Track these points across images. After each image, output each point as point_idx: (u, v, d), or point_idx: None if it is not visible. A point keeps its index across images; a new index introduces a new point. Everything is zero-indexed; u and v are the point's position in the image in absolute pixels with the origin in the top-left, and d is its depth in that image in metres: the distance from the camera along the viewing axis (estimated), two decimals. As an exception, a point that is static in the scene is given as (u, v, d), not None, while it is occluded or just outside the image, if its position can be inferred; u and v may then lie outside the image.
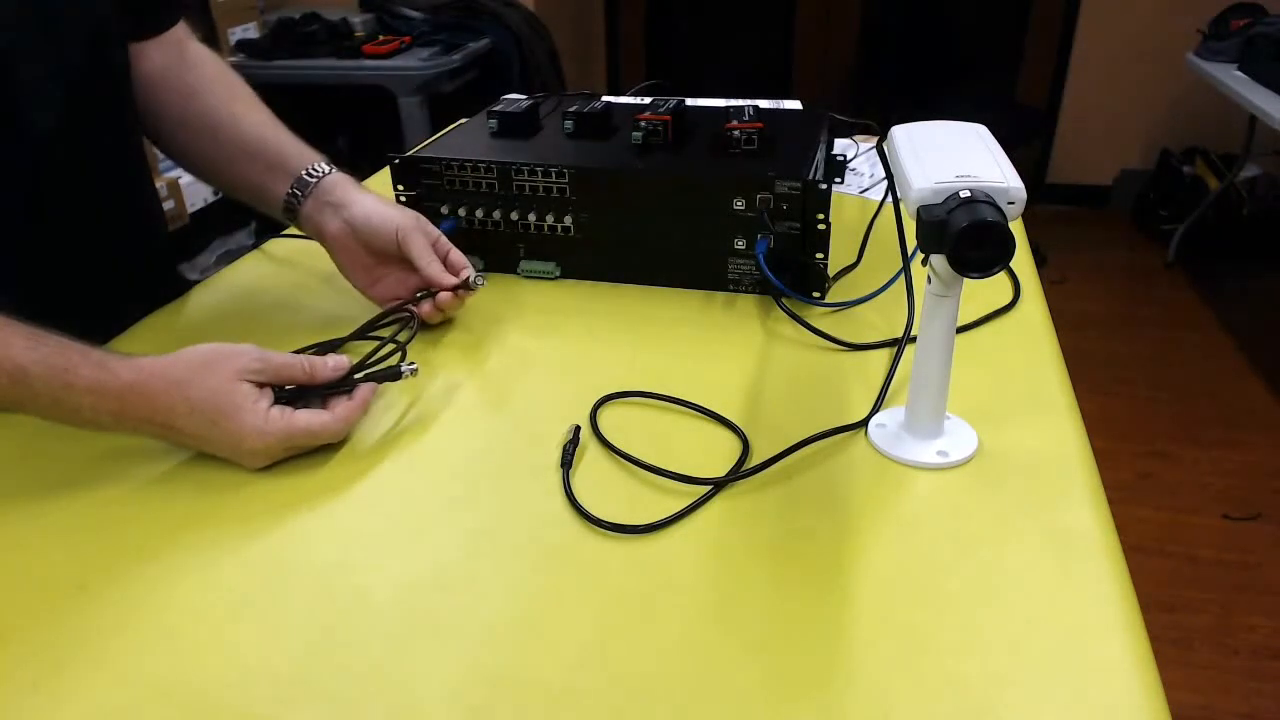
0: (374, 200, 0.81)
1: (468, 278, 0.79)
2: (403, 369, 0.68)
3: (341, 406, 0.65)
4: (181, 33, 0.88)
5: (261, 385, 0.63)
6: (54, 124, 0.75)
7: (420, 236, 0.78)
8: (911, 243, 0.61)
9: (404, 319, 0.76)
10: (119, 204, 0.86)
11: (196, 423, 0.61)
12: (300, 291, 0.91)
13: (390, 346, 0.71)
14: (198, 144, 0.86)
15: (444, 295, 0.78)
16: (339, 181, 0.82)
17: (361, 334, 0.77)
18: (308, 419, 0.63)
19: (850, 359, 0.76)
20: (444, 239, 0.80)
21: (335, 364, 0.67)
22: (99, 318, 0.63)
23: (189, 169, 0.90)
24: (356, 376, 0.68)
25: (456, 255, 0.80)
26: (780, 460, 0.62)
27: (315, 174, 0.82)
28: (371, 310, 0.80)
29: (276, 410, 0.63)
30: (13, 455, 0.67)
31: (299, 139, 0.85)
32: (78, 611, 0.52)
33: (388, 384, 0.70)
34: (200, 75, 0.87)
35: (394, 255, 0.79)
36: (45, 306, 0.61)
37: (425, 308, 0.79)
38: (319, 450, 0.66)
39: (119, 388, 0.60)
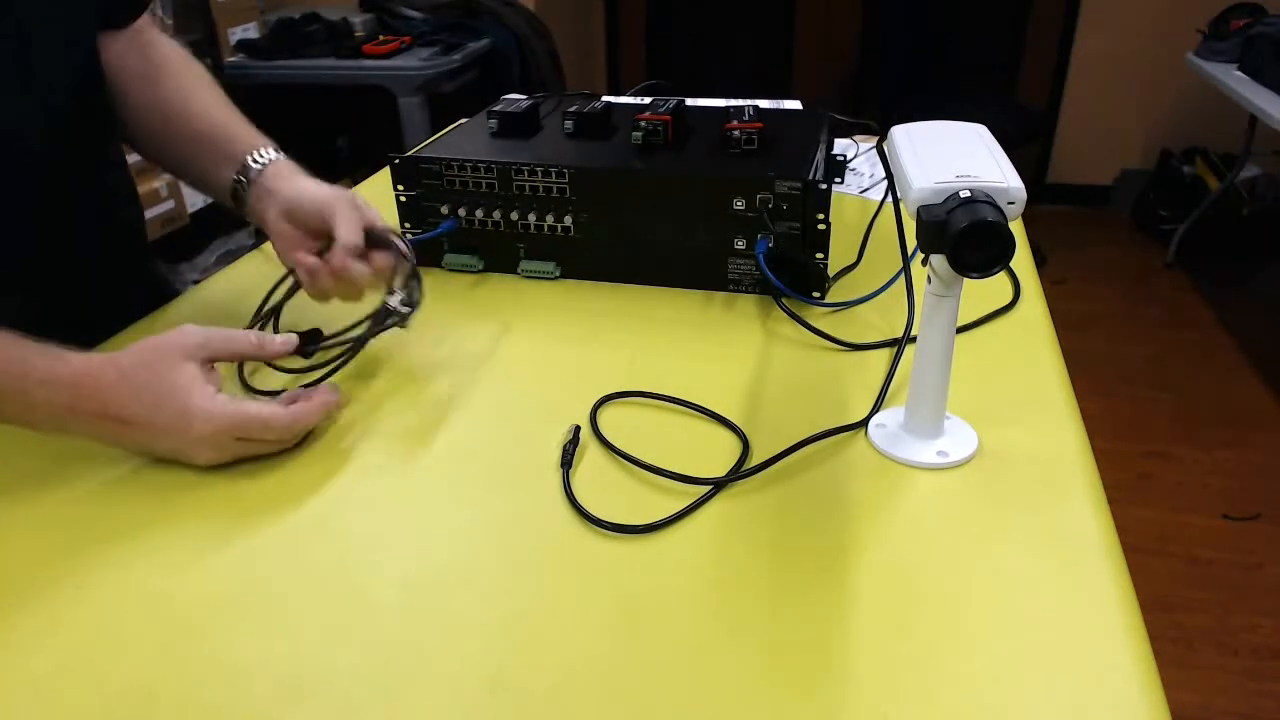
0: (308, 182, 0.79)
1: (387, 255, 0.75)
2: (393, 306, 0.66)
3: (298, 405, 0.64)
4: (144, 22, 0.87)
5: (211, 367, 0.63)
6: (37, 134, 0.75)
7: (346, 207, 0.75)
8: (911, 243, 0.61)
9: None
10: (98, 209, 0.85)
11: (145, 409, 0.60)
12: (299, 292, 0.91)
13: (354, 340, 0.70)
14: (152, 130, 0.85)
15: (339, 260, 0.72)
16: (280, 170, 0.80)
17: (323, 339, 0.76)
18: (258, 407, 0.62)
19: (850, 359, 0.76)
20: (381, 223, 0.76)
21: (285, 340, 0.66)
22: (79, 326, 0.63)
23: (145, 155, 0.88)
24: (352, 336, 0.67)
25: (392, 239, 0.76)
26: (780, 460, 0.62)
27: (260, 161, 0.80)
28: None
29: (225, 396, 0.62)
30: None
31: (250, 124, 0.83)
32: (73, 610, 0.52)
33: (374, 387, 0.68)
34: (157, 63, 0.86)
35: (327, 234, 0.76)
36: (24, 315, 0.61)
37: (328, 265, 0.74)
38: (317, 450, 0.66)
39: (71, 376, 0.60)
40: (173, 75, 0.86)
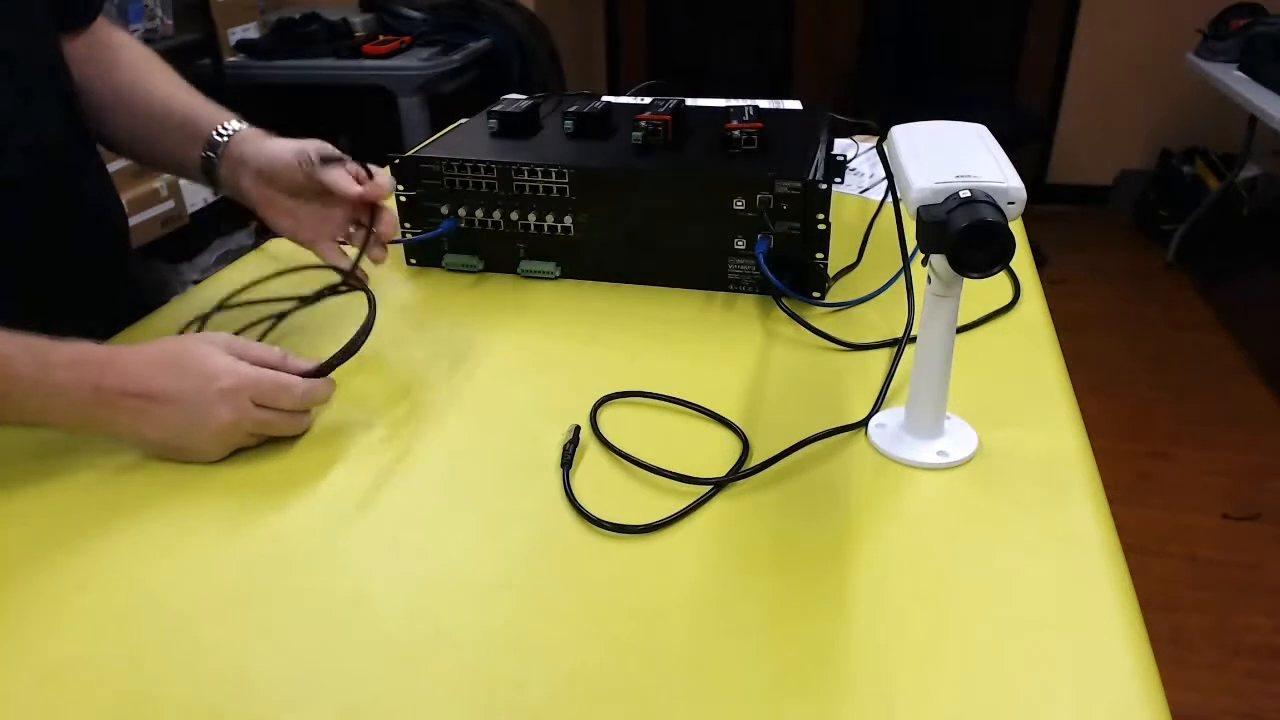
0: (275, 143, 0.81)
1: (372, 178, 0.81)
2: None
3: (310, 381, 0.67)
4: (100, 24, 0.88)
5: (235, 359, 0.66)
6: (26, 149, 0.75)
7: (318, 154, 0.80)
8: (911, 243, 0.61)
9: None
10: (80, 218, 0.84)
11: (170, 379, 0.63)
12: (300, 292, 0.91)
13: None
14: (115, 119, 0.86)
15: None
16: (246, 137, 0.82)
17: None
18: (275, 374, 0.65)
19: (850, 359, 0.76)
20: (350, 163, 0.82)
21: (307, 362, 0.69)
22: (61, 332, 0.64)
23: (112, 146, 0.89)
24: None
25: (375, 172, 0.82)
26: (780, 460, 0.62)
27: (225, 133, 0.82)
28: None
29: (246, 365, 0.65)
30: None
31: (210, 101, 0.85)
32: (73, 610, 0.52)
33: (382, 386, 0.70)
34: (113, 54, 0.87)
35: (305, 188, 0.81)
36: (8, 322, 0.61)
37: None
38: (316, 450, 0.66)
39: (98, 355, 0.63)
40: (129, 63, 0.87)
